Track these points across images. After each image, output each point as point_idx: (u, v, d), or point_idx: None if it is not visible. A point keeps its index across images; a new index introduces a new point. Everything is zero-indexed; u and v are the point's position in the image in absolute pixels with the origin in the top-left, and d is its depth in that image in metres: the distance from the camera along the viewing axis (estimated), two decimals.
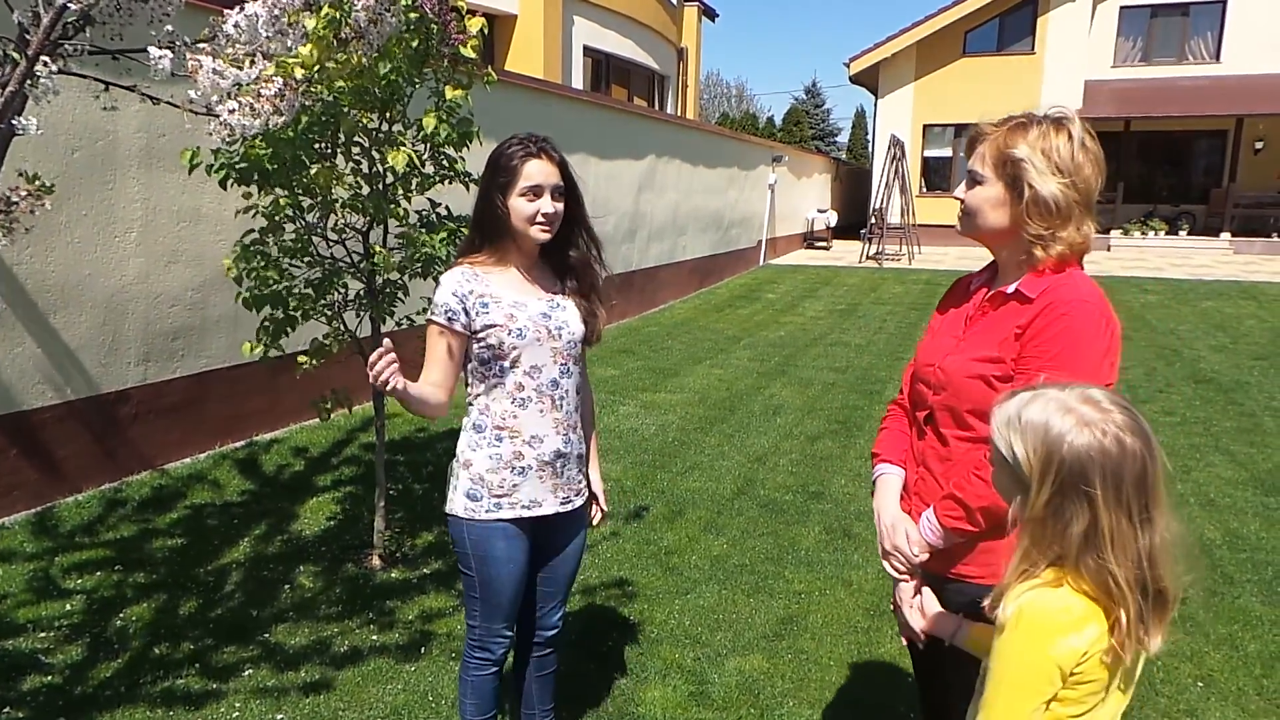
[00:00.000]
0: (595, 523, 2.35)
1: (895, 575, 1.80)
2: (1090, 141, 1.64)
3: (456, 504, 2.11)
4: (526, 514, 2.11)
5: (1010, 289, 1.69)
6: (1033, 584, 1.27)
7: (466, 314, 2.04)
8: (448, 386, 2.09)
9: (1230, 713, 2.81)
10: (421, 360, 3.92)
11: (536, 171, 2.02)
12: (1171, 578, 1.24)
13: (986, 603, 1.35)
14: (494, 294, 2.05)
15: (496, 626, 2.18)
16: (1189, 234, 19.44)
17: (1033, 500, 1.24)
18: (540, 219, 2.03)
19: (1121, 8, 20.29)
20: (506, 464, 2.08)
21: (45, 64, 1.77)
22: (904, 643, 1.90)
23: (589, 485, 2.31)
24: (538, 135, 2.08)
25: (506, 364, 2.06)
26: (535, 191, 2.02)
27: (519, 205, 2.02)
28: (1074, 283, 1.64)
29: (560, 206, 2.07)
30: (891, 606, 1.87)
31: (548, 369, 2.09)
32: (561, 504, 2.17)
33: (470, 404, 2.14)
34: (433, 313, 2.06)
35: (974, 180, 1.71)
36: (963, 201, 1.74)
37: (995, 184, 1.67)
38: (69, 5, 1.75)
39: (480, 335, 2.05)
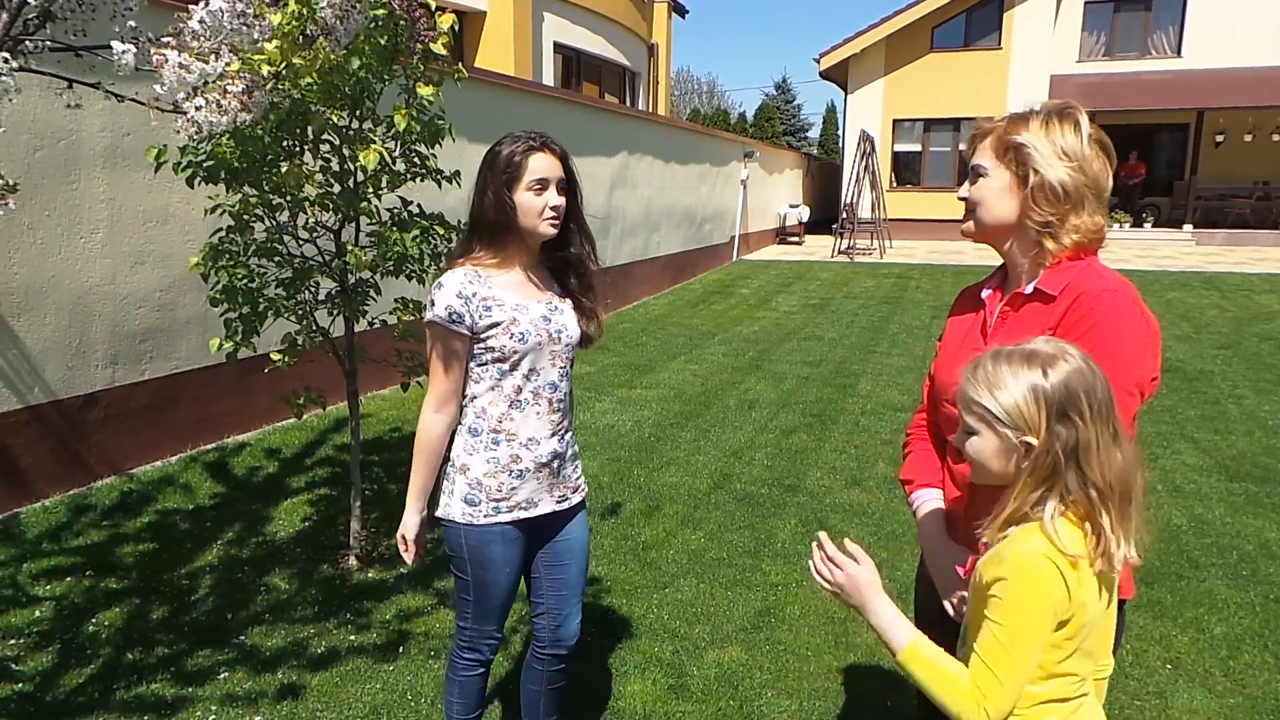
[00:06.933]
0: None
1: (956, 618, 1.61)
2: (1096, 132, 1.59)
3: (454, 509, 2.06)
4: (524, 515, 2.08)
5: (1028, 289, 1.60)
6: (1025, 531, 1.34)
7: (470, 316, 1.99)
8: (458, 394, 2.06)
9: (1198, 694, 2.87)
10: (392, 360, 3.90)
11: (542, 165, 2.00)
12: (1137, 485, 1.36)
13: (983, 550, 1.41)
14: (496, 296, 2.01)
15: (488, 629, 2.16)
16: (1153, 226, 19.76)
17: (1041, 442, 1.32)
18: (549, 212, 2.01)
19: (1085, 3, 20.57)
20: (504, 467, 2.05)
21: (6, 61, 1.74)
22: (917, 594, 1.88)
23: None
24: (536, 131, 2.06)
25: (506, 367, 2.03)
26: (542, 185, 1.99)
27: (526, 200, 1.99)
28: (1096, 272, 1.55)
29: (564, 201, 2.05)
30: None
31: (546, 372, 2.07)
32: (558, 502, 2.15)
33: (465, 407, 2.09)
34: (436, 315, 2.00)
35: (977, 174, 1.64)
36: (966, 199, 1.65)
37: (1001, 173, 1.60)
38: (28, 1, 1.72)
39: (482, 338, 2.01)
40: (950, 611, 1.65)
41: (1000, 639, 1.30)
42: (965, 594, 1.57)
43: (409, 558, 2.14)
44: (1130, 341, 1.49)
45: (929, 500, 1.75)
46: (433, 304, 2.01)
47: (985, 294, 1.73)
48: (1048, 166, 1.55)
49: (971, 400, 1.38)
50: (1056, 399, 1.31)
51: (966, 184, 1.67)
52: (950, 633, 1.62)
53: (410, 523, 2.12)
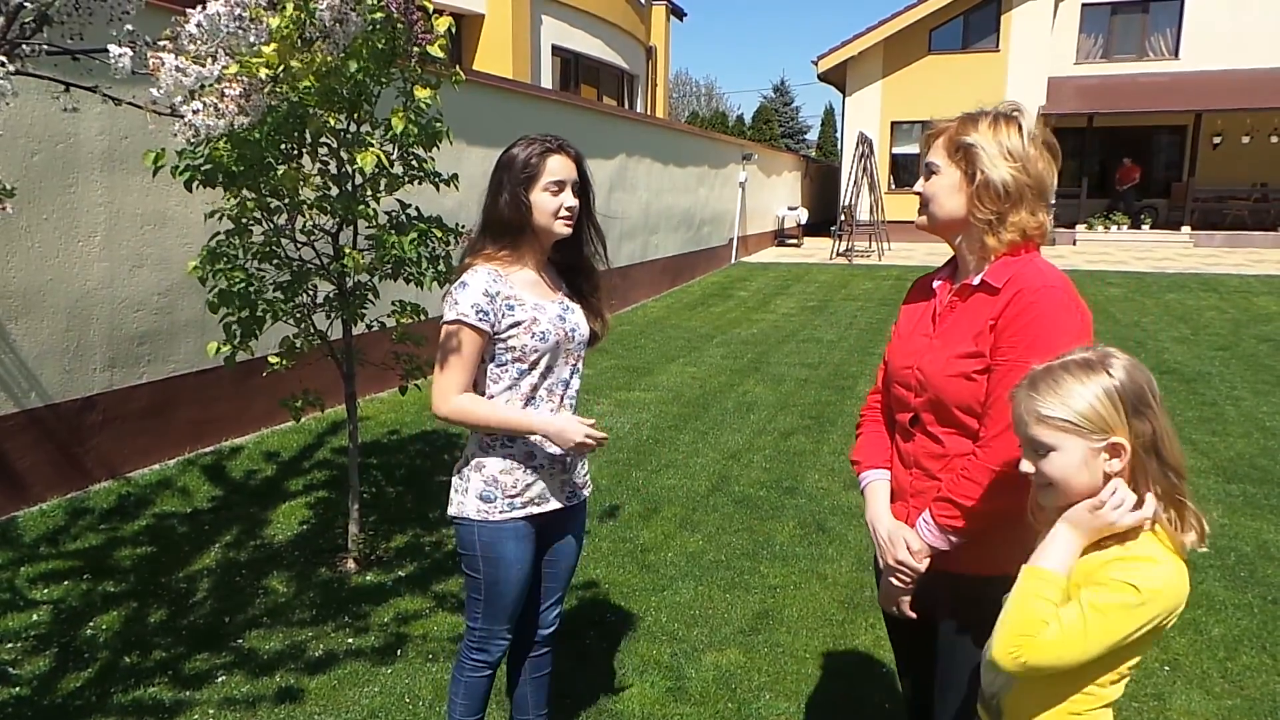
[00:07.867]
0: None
1: (901, 588, 1.78)
2: (1042, 134, 1.68)
3: (468, 506, 2.09)
4: (537, 510, 2.12)
5: (976, 280, 1.70)
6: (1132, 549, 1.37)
7: (494, 315, 2.02)
8: (470, 388, 2.07)
9: (1195, 695, 2.87)
10: (390, 363, 3.89)
11: (559, 167, 2.05)
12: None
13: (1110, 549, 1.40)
14: (517, 295, 2.06)
15: (498, 629, 2.18)
16: (1151, 227, 19.78)
17: (1130, 441, 1.35)
18: (564, 213, 2.06)
19: (1083, 5, 20.61)
20: (520, 464, 2.09)
21: (2, 65, 1.74)
22: (886, 618, 1.93)
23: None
24: (552, 134, 2.11)
25: (525, 366, 2.07)
26: (559, 186, 2.05)
27: (542, 200, 2.04)
28: (1037, 269, 1.65)
29: (578, 202, 2.10)
30: (884, 583, 1.86)
31: (559, 369, 2.12)
32: (568, 499, 2.20)
33: None
34: (461, 313, 2.01)
35: (930, 171, 1.75)
36: (921, 194, 1.77)
37: (951, 171, 1.70)
38: (25, 4, 1.72)
39: (503, 336, 2.04)
40: (895, 582, 1.79)
41: (1087, 621, 1.31)
42: (906, 564, 1.73)
43: (602, 438, 2.03)
44: (1064, 334, 1.59)
45: (875, 480, 1.90)
46: (456, 303, 2.03)
47: (936, 284, 1.85)
48: (992, 166, 1.65)
49: (1043, 416, 1.36)
50: (1129, 395, 1.34)
51: (921, 179, 1.78)
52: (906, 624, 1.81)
53: (559, 419, 2.03)
